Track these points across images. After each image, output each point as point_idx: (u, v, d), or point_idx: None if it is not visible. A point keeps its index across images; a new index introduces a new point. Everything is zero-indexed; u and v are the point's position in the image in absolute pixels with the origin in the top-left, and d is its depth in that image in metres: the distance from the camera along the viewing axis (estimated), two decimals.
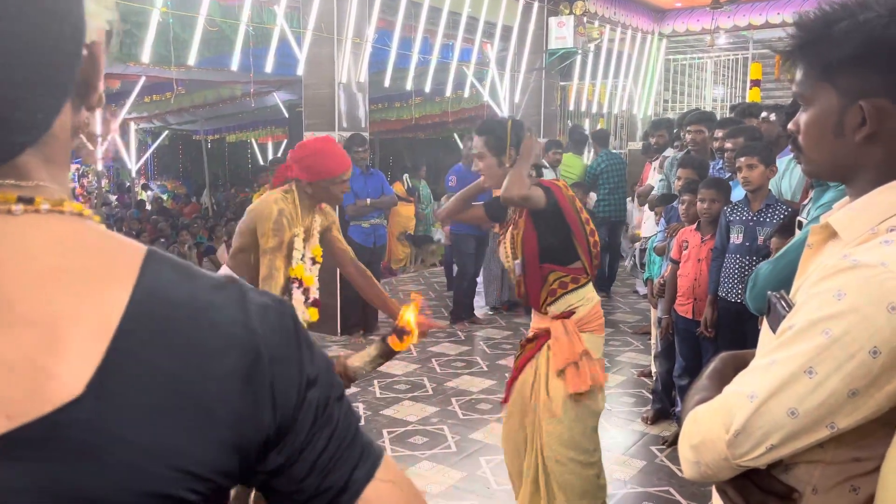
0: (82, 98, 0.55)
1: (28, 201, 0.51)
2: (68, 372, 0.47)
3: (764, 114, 4.10)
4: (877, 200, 0.90)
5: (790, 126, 1.02)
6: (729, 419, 0.88)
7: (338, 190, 2.58)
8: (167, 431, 0.48)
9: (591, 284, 2.60)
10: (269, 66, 5.83)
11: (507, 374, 4.88)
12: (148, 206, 12.55)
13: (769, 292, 1.01)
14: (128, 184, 14.47)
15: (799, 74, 0.97)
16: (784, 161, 3.52)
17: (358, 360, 2.13)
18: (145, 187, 14.78)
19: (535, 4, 8.21)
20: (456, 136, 12.85)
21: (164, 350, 0.50)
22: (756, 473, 0.91)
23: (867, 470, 0.87)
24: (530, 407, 2.58)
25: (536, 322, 2.63)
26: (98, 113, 0.58)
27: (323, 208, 2.71)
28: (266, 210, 2.49)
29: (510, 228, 2.61)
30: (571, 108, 10.03)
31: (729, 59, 11.64)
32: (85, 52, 0.52)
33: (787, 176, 3.50)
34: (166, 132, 14.13)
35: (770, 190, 3.28)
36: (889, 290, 0.79)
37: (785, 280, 1.10)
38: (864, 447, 0.87)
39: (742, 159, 3.21)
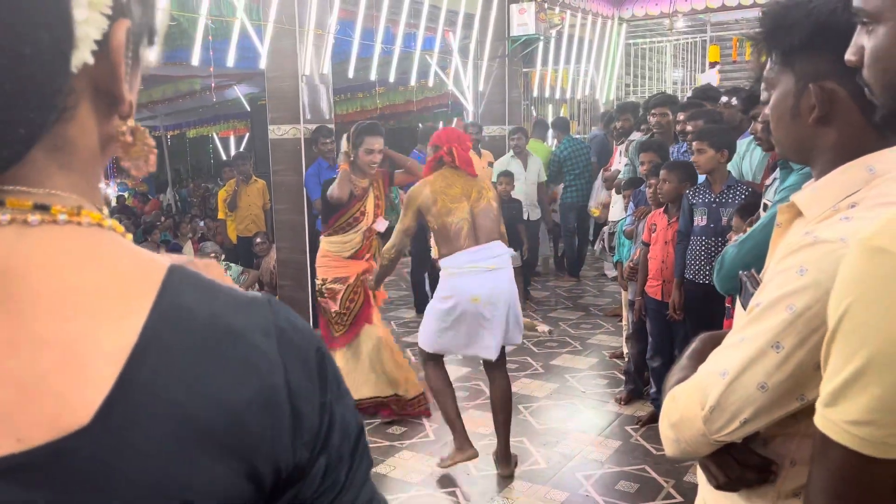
0: (109, 106, 0.53)
1: (44, 209, 0.49)
2: (80, 398, 0.45)
3: (724, 98, 4.16)
4: (838, 179, 0.94)
5: (765, 111, 1.06)
6: (704, 396, 0.91)
7: None
8: (172, 465, 0.47)
9: None
10: (230, 60, 5.74)
11: (480, 363, 4.92)
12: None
13: (740, 272, 1.05)
14: None
15: (768, 61, 1.01)
16: (744, 143, 3.60)
17: None
18: None
19: None
20: (420, 124, 12.82)
21: (176, 379, 0.48)
22: (735, 448, 0.95)
23: None
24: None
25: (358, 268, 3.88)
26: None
27: None
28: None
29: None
30: (535, 94, 10.08)
31: (688, 43, 11.80)
32: (92, 59, 0.49)
33: (748, 157, 3.58)
34: None
35: (730, 172, 3.36)
36: None
37: (751, 261, 1.14)
38: None
39: (694, 144, 3.30)
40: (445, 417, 3.29)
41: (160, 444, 0.47)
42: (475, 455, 3.22)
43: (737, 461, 0.95)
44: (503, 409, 3.27)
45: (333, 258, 3.88)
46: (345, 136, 3.93)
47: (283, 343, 0.53)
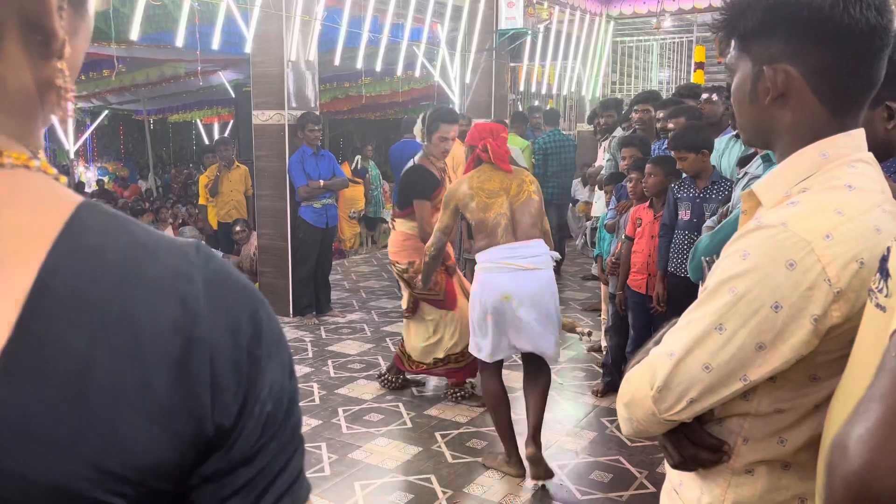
0: (42, 44, 0.49)
1: None
2: None
3: (705, 95, 4.20)
4: (791, 165, 0.96)
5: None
6: (653, 377, 0.94)
7: None
8: (78, 424, 0.43)
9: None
10: (215, 44, 5.69)
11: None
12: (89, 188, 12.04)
13: (703, 258, 1.07)
14: (65, 164, 13.98)
15: (729, 48, 1.03)
16: (724, 140, 3.64)
17: None
18: (64, 171, 13.79)
19: None
20: (405, 116, 12.80)
21: (77, 327, 0.43)
22: (688, 428, 0.97)
23: (791, 422, 0.93)
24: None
25: None
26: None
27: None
28: None
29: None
30: (522, 88, 10.09)
31: (674, 42, 11.87)
32: None
33: (726, 154, 3.62)
34: (106, 112, 13.65)
35: (714, 167, 3.39)
36: (787, 248, 0.85)
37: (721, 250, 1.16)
38: (783, 399, 0.92)
39: (672, 153, 3.34)
40: (497, 429, 3.17)
41: (65, 401, 0.43)
42: (520, 475, 3.07)
43: (690, 441, 0.97)
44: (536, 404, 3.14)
45: (417, 240, 3.87)
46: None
47: (210, 295, 0.48)
